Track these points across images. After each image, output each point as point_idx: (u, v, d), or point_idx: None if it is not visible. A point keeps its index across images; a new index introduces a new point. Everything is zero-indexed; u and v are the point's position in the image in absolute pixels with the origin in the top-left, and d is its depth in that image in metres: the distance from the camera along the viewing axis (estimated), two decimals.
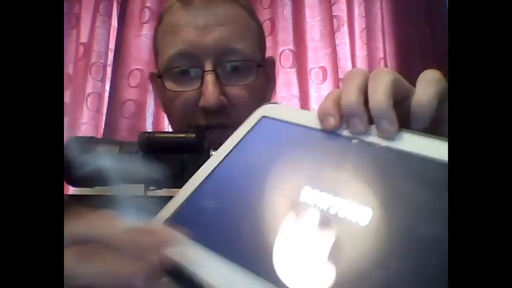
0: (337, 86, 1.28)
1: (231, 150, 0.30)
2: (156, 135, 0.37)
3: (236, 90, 0.52)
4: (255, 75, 0.53)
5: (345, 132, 0.28)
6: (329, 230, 0.24)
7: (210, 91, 0.49)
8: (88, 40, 1.36)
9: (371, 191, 0.25)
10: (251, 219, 0.26)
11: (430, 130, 0.28)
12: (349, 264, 0.22)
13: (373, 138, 0.27)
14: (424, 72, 0.29)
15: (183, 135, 0.37)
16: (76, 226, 0.25)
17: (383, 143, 0.26)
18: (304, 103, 1.30)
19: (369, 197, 0.24)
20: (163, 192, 0.38)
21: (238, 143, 0.31)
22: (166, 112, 0.59)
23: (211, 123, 0.51)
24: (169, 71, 0.53)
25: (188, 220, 0.27)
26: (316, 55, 1.31)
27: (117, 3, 1.39)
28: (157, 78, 0.57)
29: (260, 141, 0.30)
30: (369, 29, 1.32)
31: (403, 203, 0.24)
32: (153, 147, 0.37)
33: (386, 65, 1.29)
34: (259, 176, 0.28)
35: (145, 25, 1.34)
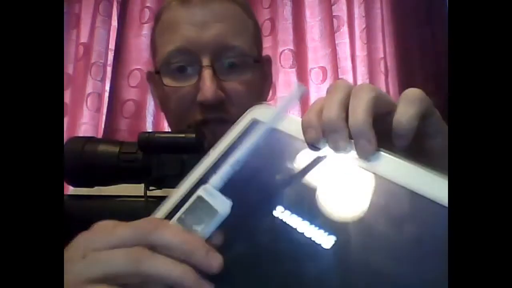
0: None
1: (221, 156, 0.30)
2: (156, 135, 0.37)
3: (233, 85, 0.52)
4: (252, 71, 0.54)
5: (326, 146, 0.28)
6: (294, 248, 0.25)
7: (208, 86, 0.50)
8: (88, 40, 1.36)
9: (338, 216, 0.25)
10: (226, 230, 0.26)
11: (414, 144, 0.28)
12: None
13: (352, 156, 0.27)
14: (405, 91, 0.29)
15: (183, 135, 0.37)
16: (125, 230, 0.26)
17: (360, 163, 0.26)
18: (304, 103, 1.30)
19: (335, 223, 0.25)
20: (163, 192, 0.38)
21: (228, 148, 0.31)
22: (163, 110, 0.59)
23: (208, 117, 0.51)
24: (167, 67, 0.53)
25: None
26: (316, 55, 1.31)
27: (117, 3, 1.39)
28: (154, 75, 0.57)
29: (248, 148, 0.30)
30: (369, 29, 1.32)
31: (368, 232, 0.24)
32: (153, 147, 0.37)
33: (386, 65, 1.29)
34: (240, 187, 0.28)
35: (145, 25, 1.34)
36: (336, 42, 1.32)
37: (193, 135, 0.37)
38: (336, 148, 0.27)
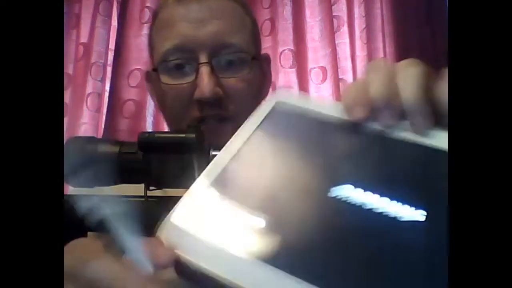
0: (337, 86, 1.28)
1: (247, 139, 0.28)
2: (156, 135, 0.37)
3: (231, 82, 0.52)
4: (250, 68, 0.53)
5: (371, 125, 0.27)
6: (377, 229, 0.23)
7: (206, 82, 0.49)
8: (88, 40, 1.36)
9: (419, 191, 0.24)
10: (280, 219, 0.24)
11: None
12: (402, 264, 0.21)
13: (403, 133, 0.26)
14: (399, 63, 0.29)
15: (183, 135, 0.37)
16: (67, 262, 0.24)
17: (415, 138, 0.26)
18: None
19: (419, 196, 0.24)
20: (163, 192, 0.38)
21: (254, 131, 0.29)
22: (161, 108, 0.59)
23: (206, 115, 0.51)
24: (164, 65, 0.53)
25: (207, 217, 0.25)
26: (316, 55, 1.31)
27: (117, 3, 1.39)
28: (152, 73, 0.57)
29: (277, 130, 0.29)
30: (369, 29, 1.32)
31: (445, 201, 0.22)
32: (153, 147, 0.37)
33: None
34: (282, 169, 0.27)
35: (145, 25, 1.34)
36: (336, 42, 1.32)
37: (193, 135, 0.36)
38: (387, 124, 0.26)
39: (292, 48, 1.32)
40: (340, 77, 1.30)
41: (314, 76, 1.31)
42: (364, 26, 1.33)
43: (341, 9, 1.35)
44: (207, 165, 0.31)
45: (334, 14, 1.34)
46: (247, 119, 0.30)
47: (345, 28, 1.34)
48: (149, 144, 0.37)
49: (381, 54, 1.29)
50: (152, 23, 0.59)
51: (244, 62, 0.53)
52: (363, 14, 1.33)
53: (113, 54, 1.35)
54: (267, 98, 0.31)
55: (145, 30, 1.33)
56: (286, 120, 0.28)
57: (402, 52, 1.30)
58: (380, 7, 1.32)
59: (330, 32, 1.31)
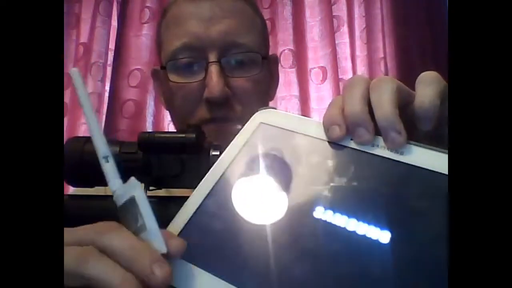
0: (337, 86, 1.28)
1: (232, 160, 0.29)
2: (156, 135, 0.37)
3: (241, 83, 0.51)
4: (259, 68, 0.52)
5: (350, 143, 0.27)
6: (349, 248, 0.24)
7: (215, 82, 0.48)
8: (88, 40, 1.36)
9: (386, 210, 0.25)
10: (261, 243, 0.25)
11: (434, 131, 0.28)
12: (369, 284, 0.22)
13: (379, 150, 0.27)
14: (421, 74, 0.29)
15: (183, 135, 0.37)
16: (80, 228, 0.25)
17: (390, 155, 0.26)
18: (304, 103, 1.30)
19: (386, 217, 0.24)
20: (163, 192, 0.38)
21: (238, 153, 0.30)
22: (168, 107, 0.58)
23: (215, 115, 0.50)
24: (173, 63, 0.52)
25: (195, 242, 0.26)
26: (316, 55, 1.31)
27: (117, 3, 1.39)
28: (160, 71, 0.56)
29: (261, 151, 0.29)
30: (369, 29, 1.32)
31: (420, 222, 0.24)
32: (153, 147, 0.37)
33: (386, 65, 1.29)
34: (264, 191, 0.28)
35: (145, 25, 1.34)
36: (336, 42, 1.32)
37: (193, 135, 0.36)
38: (362, 142, 0.27)
39: (292, 48, 1.32)
40: (340, 77, 1.30)
41: (314, 76, 1.31)
42: (364, 26, 1.33)
43: (341, 9, 1.35)
44: (207, 165, 0.31)
45: (334, 14, 1.34)
46: (232, 141, 0.31)
47: (345, 28, 1.34)
48: (149, 144, 0.37)
49: (381, 54, 1.29)
50: (160, 20, 0.58)
51: (253, 62, 0.52)
52: (363, 14, 1.33)
53: (113, 54, 1.34)
54: (251, 118, 0.32)
55: (145, 30, 1.33)
56: (269, 142, 0.29)
57: (402, 52, 1.30)
58: (380, 7, 1.32)
59: (330, 32, 1.31)
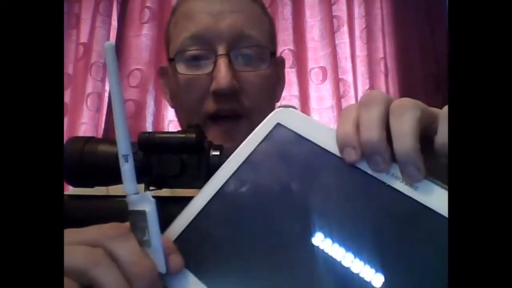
0: (337, 86, 1.28)
1: (243, 162, 0.29)
2: (156, 135, 0.37)
3: (248, 77, 0.51)
4: (267, 64, 0.52)
5: (364, 166, 0.26)
6: (339, 284, 0.24)
7: (223, 74, 0.48)
8: (88, 40, 1.36)
9: (385, 251, 0.24)
10: (255, 258, 0.25)
11: None
12: None
13: (393, 180, 0.25)
14: (445, 108, 0.27)
15: (183, 135, 0.37)
16: (89, 229, 0.26)
17: (403, 188, 0.25)
18: (304, 103, 1.30)
19: (383, 259, 0.23)
20: (163, 192, 0.38)
21: (250, 155, 0.29)
22: (174, 103, 0.58)
23: (222, 108, 0.50)
24: (182, 55, 0.52)
25: (192, 247, 0.27)
26: (316, 55, 1.31)
27: (117, 3, 1.39)
28: (167, 69, 0.57)
29: (273, 157, 0.29)
30: (369, 29, 1.32)
31: (418, 271, 0.23)
32: (153, 147, 0.37)
33: (386, 65, 1.29)
34: (268, 206, 0.27)
35: (145, 25, 1.34)
36: (336, 42, 1.32)
37: (193, 135, 0.36)
38: (378, 170, 0.26)
39: (292, 48, 1.32)
40: (340, 77, 1.30)
41: (314, 76, 1.31)
42: (364, 26, 1.33)
43: (341, 9, 1.35)
44: (207, 165, 0.31)
45: (334, 14, 1.34)
46: (247, 139, 0.30)
47: (345, 28, 1.34)
48: (149, 144, 0.37)
49: (381, 54, 1.29)
50: (170, 18, 0.59)
51: (262, 57, 0.52)
52: (363, 14, 1.33)
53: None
54: (270, 114, 0.30)
55: (145, 30, 1.34)
56: (283, 149, 0.28)
57: (402, 52, 1.30)
58: (380, 7, 1.32)
59: (330, 32, 1.31)
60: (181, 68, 0.52)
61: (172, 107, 0.60)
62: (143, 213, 0.25)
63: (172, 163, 0.36)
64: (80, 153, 0.37)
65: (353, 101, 1.29)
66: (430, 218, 0.23)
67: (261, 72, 0.52)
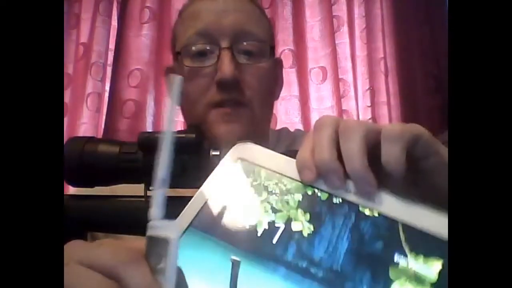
0: (337, 86, 1.28)
1: (207, 200, 0.30)
2: (156, 135, 0.37)
3: (249, 69, 0.55)
4: (267, 59, 0.57)
5: (323, 186, 0.28)
6: None
7: (226, 65, 0.53)
8: (88, 40, 1.36)
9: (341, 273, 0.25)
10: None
11: (409, 167, 0.28)
12: None
13: (352, 196, 0.27)
14: (384, 129, 0.29)
15: (183, 135, 0.37)
16: (108, 254, 0.25)
17: (363, 202, 0.27)
18: (304, 103, 1.30)
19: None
20: None
21: (210, 196, 0.30)
22: (181, 96, 0.61)
23: (225, 98, 0.54)
24: (188, 49, 0.56)
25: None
26: (316, 55, 1.31)
27: (117, 3, 1.39)
28: (172, 67, 0.62)
29: (238, 191, 0.30)
30: (369, 29, 1.32)
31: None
32: (153, 147, 0.37)
33: (386, 65, 1.29)
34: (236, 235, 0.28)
35: (145, 25, 1.34)
36: (336, 42, 1.32)
37: (193, 135, 0.36)
38: (333, 188, 0.28)
39: (292, 48, 1.32)
40: (340, 77, 1.30)
41: (314, 76, 1.31)
42: (364, 26, 1.33)
43: (341, 9, 1.35)
44: (207, 165, 0.31)
45: (334, 14, 1.34)
46: (208, 178, 0.31)
47: (345, 28, 1.34)
48: (149, 144, 0.37)
49: (381, 54, 1.29)
50: (176, 20, 0.63)
51: (262, 52, 0.57)
52: (363, 14, 1.33)
53: (113, 54, 1.35)
54: (230, 151, 0.32)
55: (145, 30, 1.34)
56: (246, 180, 0.29)
57: (402, 52, 1.30)
58: (380, 7, 1.32)
59: (330, 32, 1.31)
60: (187, 62, 0.56)
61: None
62: (165, 241, 0.25)
63: (172, 163, 0.36)
64: (80, 153, 0.37)
65: (353, 101, 1.29)
66: (382, 226, 0.26)
67: (261, 65, 0.56)
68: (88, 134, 1.24)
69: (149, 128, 1.29)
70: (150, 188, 0.37)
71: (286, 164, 0.30)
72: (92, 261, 0.24)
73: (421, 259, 0.24)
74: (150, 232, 0.25)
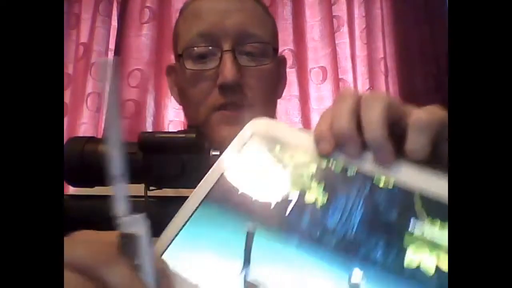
0: (337, 86, 1.28)
1: (222, 174, 0.30)
2: (156, 135, 0.37)
3: (252, 71, 0.54)
4: (270, 61, 0.56)
5: (341, 157, 0.28)
6: None
7: (229, 68, 0.52)
8: (88, 40, 1.36)
9: (361, 244, 0.25)
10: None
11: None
12: None
13: (369, 166, 0.27)
14: (414, 115, 0.28)
15: (183, 135, 0.37)
16: (84, 252, 0.25)
17: (380, 171, 0.27)
18: (304, 103, 1.30)
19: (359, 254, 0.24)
20: (163, 192, 0.38)
21: (228, 165, 0.30)
22: (182, 100, 0.61)
23: (227, 101, 0.53)
24: (190, 51, 0.55)
25: (186, 258, 0.27)
26: (316, 55, 1.31)
27: (117, 3, 1.39)
28: (174, 67, 0.61)
29: (253, 165, 0.30)
30: (369, 29, 1.32)
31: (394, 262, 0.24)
32: (153, 147, 0.37)
33: (386, 65, 1.29)
34: (248, 214, 0.28)
35: (145, 25, 1.34)
36: (336, 42, 1.32)
37: (193, 135, 0.36)
38: (350, 157, 0.27)
39: (292, 48, 1.32)
40: (340, 77, 1.30)
41: (314, 76, 1.31)
42: (364, 26, 1.33)
43: (341, 9, 1.35)
44: (207, 165, 0.31)
45: (334, 14, 1.34)
46: (226, 149, 0.31)
47: (345, 28, 1.34)
48: (149, 144, 0.37)
49: (381, 54, 1.29)
50: (178, 18, 0.62)
51: (265, 53, 0.56)
52: (363, 14, 1.33)
53: (113, 54, 1.34)
54: (245, 127, 0.32)
55: (145, 30, 1.33)
56: (259, 155, 0.29)
57: (402, 52, 1.30)
58: (380, 7, 1.32)
59: (330, 32, 1.31)
60: (188, 64, 0.55)
61: (180, 104, 0.63)
62: (135, 237, 0.24)
63: (172, 163, 0.36)
64: (80, 153, 0.37)
65: None
66: (398, 195, 0.25)
67: (264, 67, 0.55)
68: (88, 134, 1.24)
69: (149, 128, 1.29)
70: (150, 188, 0.37)
71: (301, 138, 0.29)
72: (71, 263, 0.24)
73: (437, 226, 0.24)
74: (119, 229, 0.25)
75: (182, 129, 0.53)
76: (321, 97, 1.29)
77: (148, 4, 1.35)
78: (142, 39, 1.33)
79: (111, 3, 1.39)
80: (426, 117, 0.27)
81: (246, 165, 0.30)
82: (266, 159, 0.29)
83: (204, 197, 0.29)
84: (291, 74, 1.30)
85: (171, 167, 0.36)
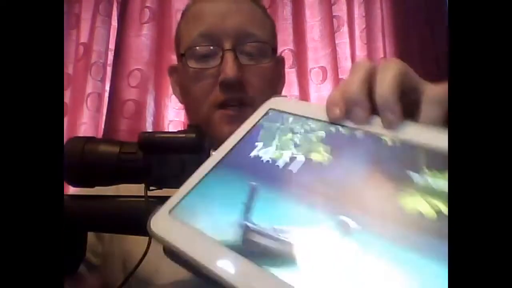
0: (337, 86, 1.28)
1: (237, 142, 0.31)
2: (156, 135, 0.37)
3: (252, 69, 0.56)
4: (269, 60, 0.58)
5: (350, 123, 0.28)
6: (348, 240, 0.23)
7: (230, 66, 0.54)
8: (88, 40, 1.36)
9: (378, 202, 0.24)
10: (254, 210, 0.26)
11: None
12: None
13: (377, 128, 0.27)
14: (427, 89, 0.28)
15: (183, 135, 0.37)
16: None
17: (388, 134, 0.27)
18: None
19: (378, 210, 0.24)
20: (163, 192, 0.38)
21: (244, 136, 0.32)
22: (184, 99, 0.63)
23: (228, 98, 0.55)
24: (192, 51, 0.57)
25: (193, 210, 0.28)
26: (316, 55, 1.31)
27: (117, 3, 1.39)
28: (176, 67, 0.63)
29: (266, 134, 0.31)
30: (369, 29, 1.32)
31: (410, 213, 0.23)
32: (153, 147, 0.37)
33: None
34: (265, 170, 0.29)
35: (145, 25, 1.34)
36: (336, 42, 1.32)
37: (193, 135, 0.36)
38: (357, 121, 0.28)
39: (292, 48, 1.32)
40: (340, 77, 1.30)
41: (314, 76, 1.31)
42: (364, 26, 1.33)
43: (341, 9, 1.35)
44: None
45: (334, 14, 1.34)
46: (241, 125, 0.33)
47: (345, 28, 1.34)
48: (149, 144, 0.37)
49: (381, 54, 1.29)
50: (180, 20, 0.64)
51: (264, 53, 0.58)
52: (363, 14, 1.33)
53: (113, 54, 1.34)
54: (264, 104, 0.34)
55: (145, 30, 1.33)
56: (275, 126, 0.31)
57: (402, 52, 1.30)
58: (380, 7, 1.32)
59: (330, 32, 1.31)
60: (191, 63, 0.57)
61: (182, 103, 0.65)
62: None
63: (172, 163, 0.36)
64: (80, 153, 0.37)
65: None
66: (413, 152, 0.26)
67: (264, 66, 0.57)
68: (88, 134, 1.24)
69: (149, 128, 1.29)
70: (150, 188, 0.37)
71: (313, 109, 0.31)
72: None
73: (441, 177, 0.24)
74: None
75: (182, 129, 0.53)
76: (321, 97, 1.29)
77: (148, 4, 1.35)
78: (142, 39, 1.32)
79: (111, 3, 1.39)
80: (442, 91, 0.27)
81: (258, 135, 0.31)
82: (277, 129, 0.31)
83: (221, 159, 0.30)
84: (291, 74, 1.30)
85: (171, 167, 0.36)
